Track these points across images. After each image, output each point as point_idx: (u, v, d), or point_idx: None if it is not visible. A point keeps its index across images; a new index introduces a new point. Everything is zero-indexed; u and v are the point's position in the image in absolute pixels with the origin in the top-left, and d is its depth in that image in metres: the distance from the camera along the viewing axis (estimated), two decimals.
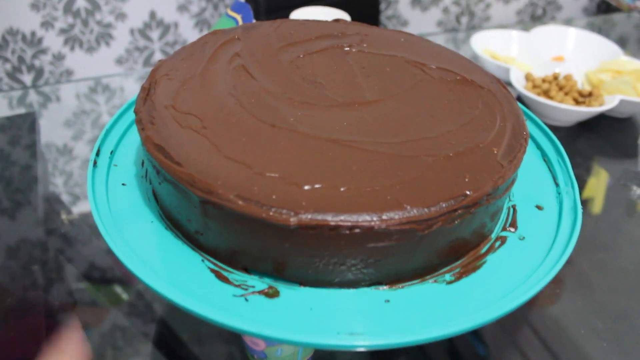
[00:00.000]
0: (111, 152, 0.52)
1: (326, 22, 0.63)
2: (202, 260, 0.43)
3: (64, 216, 0.74)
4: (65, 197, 0.77)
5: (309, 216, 0.38)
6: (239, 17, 0.74)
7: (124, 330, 0.58)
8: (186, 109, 0.47)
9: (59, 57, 1.71)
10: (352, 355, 0.56)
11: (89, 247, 0.68)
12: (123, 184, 0.49)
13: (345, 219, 0.38)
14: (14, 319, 0.57)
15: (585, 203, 0.78)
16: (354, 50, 0.58)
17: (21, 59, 1.67)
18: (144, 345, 0.56)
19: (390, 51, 0.58)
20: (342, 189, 0.40)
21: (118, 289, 0.64)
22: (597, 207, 0.79)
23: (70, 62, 1.74)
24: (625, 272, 0.67)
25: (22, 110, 0.92)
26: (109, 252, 0.66)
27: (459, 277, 0.43)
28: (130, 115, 0.57)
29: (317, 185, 0.40)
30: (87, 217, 0.74)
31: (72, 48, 1.72)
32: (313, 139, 0.45)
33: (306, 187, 0.40)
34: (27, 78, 1.71)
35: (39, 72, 1.72)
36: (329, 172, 0.41)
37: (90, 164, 0.49)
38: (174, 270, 0.42)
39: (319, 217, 0.38)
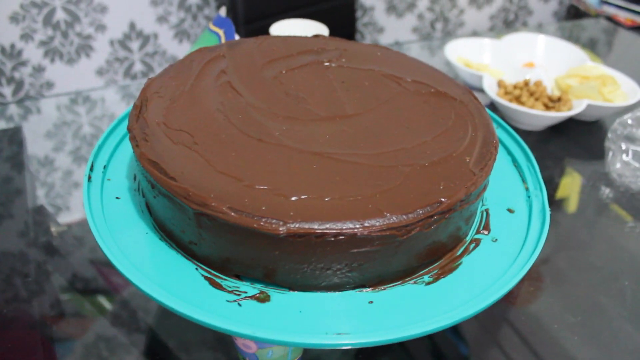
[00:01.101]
0: (104, 167, 0.54)
1: (306, 37, 0.66)
2: (196, 269, 0.45)
3: (53, 229, 0.74)
4: (47, 209, 0.77)
5: (297, 225, 0.40)
6: (221, 32, 0.76)
7: (109, 341, 0.58)
8: (177, 125, 0.49)
9: (39, 69, 1.72)
10: (338, 357, 0.58)
11: (72, 258, 0.68)
12: (117, 198, 0.52)
13: (330, 227, 0.41)
14: None
15: (559, 203, 0.82)
16: (333, 65, 0.61)
17: (1, 72, 1.67)
18: (130, 355, 0.57)
19: (368, 65, 0.61)
20: (326, 199, 0.43)
21: (102, 299, 0.64)
22: (571, 207, 0.83)
23: (50, 74, 1.74)
24: (598, 268, 0.70)
25: (2, 123, 0.92)
26: (92, 263, 0.68)
27: (437, 278, 0.46)
28: (121, 131, 0.59)
29: (303, 196, 0.43)
30: (69, 229, 0.74)
31: (52, 60, 1.72)
32: (298, 152, 0.48)
33: (293, 198, 0.43)
34: (7, 90, 1.71)
35: (19, 85, 1.72)
36: (314, 184, 0.44)
37: (85, 178, 0.51)
38: (170, 278, 0.44)
39: (306, 225, 0.41)
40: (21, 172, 0.80)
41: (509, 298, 0.65)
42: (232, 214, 0.41)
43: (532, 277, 0.68)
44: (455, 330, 0.61)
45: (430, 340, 0.60)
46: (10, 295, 0.61)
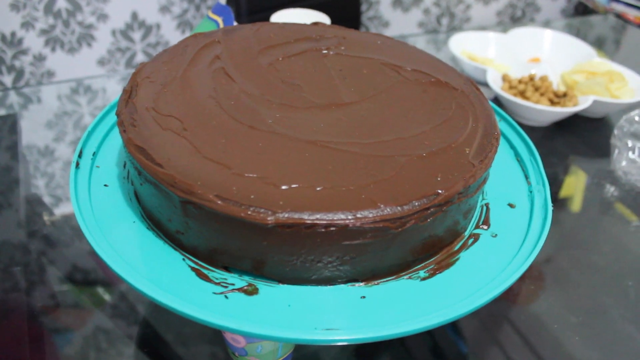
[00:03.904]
0: (93, 154, 0.53)
1: (305, 25, 0.64)
2: (183, 259, 0.44)
3: (45, 218, 0.74)
4: (47, 199, 0.76)
5: (286, 215, 0.39)
6: (220, 20, 0.75)
7: (107, 332, 0.57)
8: (167, 111, 0.48)
9: (39, 58, 1.70)
10: (335, 353, 0.57)
11: (71, 249, 0.68)
12: (105, 185, 0.50)
13: (320, 218, 0.39)
14: None
15: (563, 202, 0.80)
16: (331, 52, 0.59)
17: (1, 60, 1.66)
18: (128, 347, 0.56)
19: (367, 54, 0.59)
20: (318, 189, 0.41)
21: (100, 291, 0.64)
22: (575, 205, 0.81)
23: (51, 63, 1.73)
24: (601, 269, 0.69)
25: (2, 111, 0.91)
26: (92, 254, 0.67)
27: (432, 274, 0.45)
28: (113, 117, 0.57)
29: (294, 185, 0.41)
30: (69, 219, 0.74)
31: (53, 49, 1.70)
32: (291, 140, 0.46)
33: (284, 187, 0.41)
34: (8, 79, 1.70)
35: (20, 73, 1.70)
36: (305, 172, 0.43)
37: (73, 165, 0.50)
38: (156, 269, 0.43)
39: (296, 216, 0.39)
40: (17, 161, 0.79)
41: (510, 296, 0.64)
42: (219, 202, 0.39)
43: (534, 276, 0.66)
44: (455, 328, 0.60)
45: (430, 338, 0.59)
46: (9, 286, 0.61)
